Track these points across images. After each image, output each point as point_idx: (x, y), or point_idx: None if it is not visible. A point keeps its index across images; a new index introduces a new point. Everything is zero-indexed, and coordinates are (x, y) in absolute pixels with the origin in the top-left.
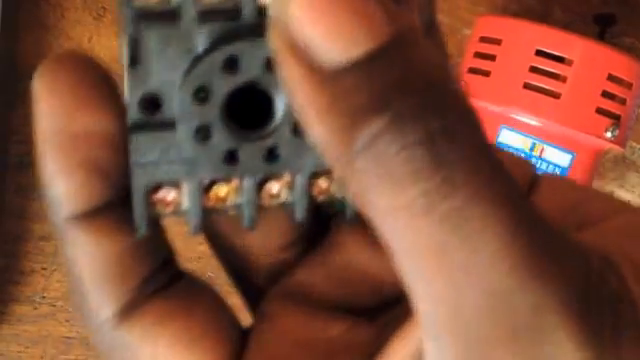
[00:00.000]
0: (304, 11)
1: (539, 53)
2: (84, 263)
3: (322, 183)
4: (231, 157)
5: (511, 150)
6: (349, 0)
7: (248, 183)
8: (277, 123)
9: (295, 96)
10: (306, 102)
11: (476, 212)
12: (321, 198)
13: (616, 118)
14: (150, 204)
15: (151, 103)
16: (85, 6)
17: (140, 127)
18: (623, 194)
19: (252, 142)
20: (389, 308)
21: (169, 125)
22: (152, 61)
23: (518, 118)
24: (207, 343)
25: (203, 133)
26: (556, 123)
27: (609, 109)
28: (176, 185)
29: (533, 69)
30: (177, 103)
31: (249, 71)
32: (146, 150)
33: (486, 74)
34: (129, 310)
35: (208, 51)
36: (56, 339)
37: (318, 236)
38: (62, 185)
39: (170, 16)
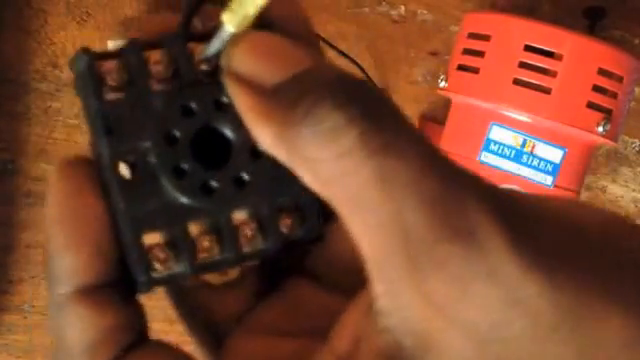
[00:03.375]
0: (246, 55)
1: (528, 48)
2: (76, 333)
3: (287, 219)
4: (206, 189)
5: (502, 147)
6: (274, 47)
7: (225, 228)
8: (235, 153)
9: (246, 113)
10: (254, 112)
11: (404, 142)
12: (287, 231)
13: (607, 112)
14: (146, 262)
15: (131, 163)
16: (68, 11)
17: (124, 186)
18: (616, 189)
19: (221, 174)
20: None
21: (150, 178)
22: (123, 127)
23: (508, 114)
24: None
25: (179, 172)
26: (547, 119)
27: (600, 103)
28: (167, 244)
29: (523, 65)
30: (153, 152)
31: (202, 114)
32: (133, 204)
33: (475, 71)
34: None
35: (166, 107)
36: (47, 348)
37: (273, 285)
38: (68, 260)
39: (128, 86)
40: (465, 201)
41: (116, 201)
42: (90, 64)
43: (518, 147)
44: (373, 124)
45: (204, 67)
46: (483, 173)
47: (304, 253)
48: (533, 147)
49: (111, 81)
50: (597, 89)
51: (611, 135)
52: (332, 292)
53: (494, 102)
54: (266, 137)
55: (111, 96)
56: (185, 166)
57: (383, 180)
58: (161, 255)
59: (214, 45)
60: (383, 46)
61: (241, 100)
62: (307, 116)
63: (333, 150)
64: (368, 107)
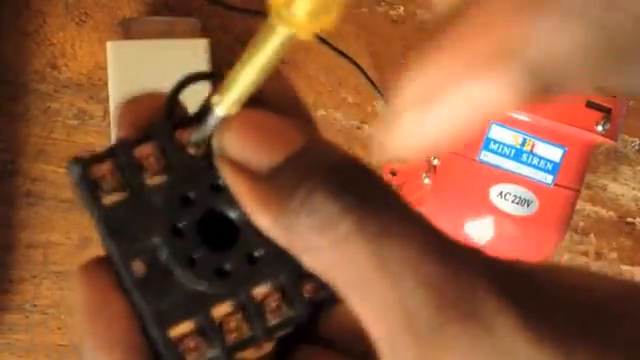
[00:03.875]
0: (238, 139)
1: None
2: None
3: (308, 284)
4: (221, 273)
5: (502, 146)
6: (266, 127)
7: (249, 306)
8: (243, 231)
9: (243, 199)
10: (251, 198)
11: (400, 225)
12: (311, 295)
13: (607, 111)
14: (178, 355)
15: (143, 261)
16: (67, 12)
17: (141, 284)
18: (616, 187)
19: (232, 255)
20: None
21: (164, 272)
22: (128, 228)
23: (508, 114)
24: None
25: (191, 262)
26: (546, 118)
27: (600, 102)
28: (195, 332)
29: None
30: (162, 248)
31: (202, 200)
32: (153, 301)
33: None
34: None
35: (165, 201)
36: (48, 347)
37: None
38: None
39: (125, 186)
40: (468, 280)
41: (136, 299)
42: (83, 172)
43: (518, 146)
44: (369, 210)
45: (195, 152)
46: (483, 172)
47: (315, 320)
48: (533, 146)
49: (106, 185)
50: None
51: (611, 134)
52: (347, 357)
53: None
54: (265, 222)
55: (109, 199)
56: (196, 255)
57: (382, 264)
58: (191, 344)
59: (204, 129)
60: (382, 46)
61: (236, 185)
62: (303, 205)
63: (330, 237)
64: (363, 193)
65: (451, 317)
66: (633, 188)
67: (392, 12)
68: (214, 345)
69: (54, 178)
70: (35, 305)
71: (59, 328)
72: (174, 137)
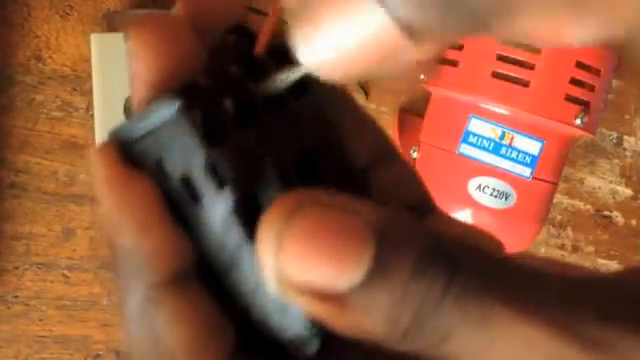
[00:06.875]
0: (301, 261)
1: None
2: (176, 332)
3: None
4: None
5: (481, 139)
6: (327, 237)
7: None
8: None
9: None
10: (348, 325)
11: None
12: None
13: (585, 105)
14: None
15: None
16: (52, 5)
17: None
18: (594, 180)
19: None
20: None
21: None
22: (234, 176)
23: (487, 107)
24: None
25: None
26: (525, 111)
27: (578, 96)
28: None
29: (501, 58)
30: (270, 196)
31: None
32: None
33: (454, 64)
34: None
35: (265, 143)
36: (30, 338)
37: None
38: (146, 242)
39: (217, 133)
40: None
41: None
42: (185, 109)
43: (497, 139)
44: (512, 298)
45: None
46: (462, 165)
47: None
48: (512, 139)
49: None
50: (575, 82)
51: (589, 127)
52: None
53: (473, 95)
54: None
55: (213, 144)
56: None
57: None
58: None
59: (291, 72)
60: None
61: (316, 314)
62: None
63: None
64: (502, 293)
65: None
66: (610, 181)
67: None
68: None
69: (38, 170)
70: (17, 296)
71: (40, 319)
72: (250, 86)
